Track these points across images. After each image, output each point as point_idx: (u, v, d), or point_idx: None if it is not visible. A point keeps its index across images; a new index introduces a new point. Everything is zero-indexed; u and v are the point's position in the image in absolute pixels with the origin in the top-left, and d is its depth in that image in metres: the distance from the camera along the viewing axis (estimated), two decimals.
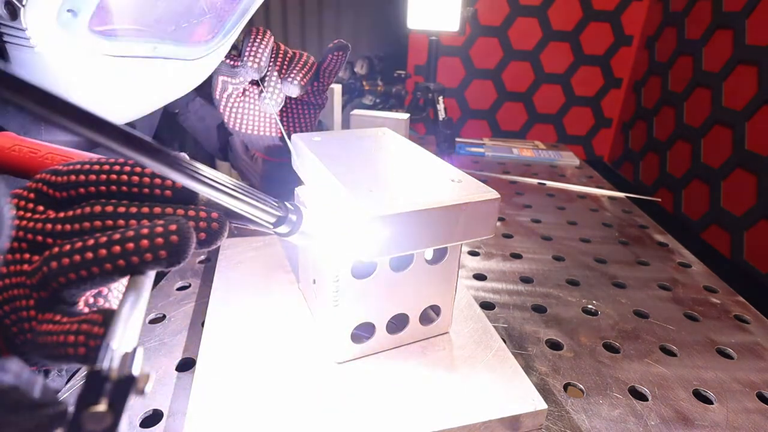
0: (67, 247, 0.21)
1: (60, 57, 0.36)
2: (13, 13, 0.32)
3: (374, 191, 0.29)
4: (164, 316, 0.44)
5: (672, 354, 0.43)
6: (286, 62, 0.51)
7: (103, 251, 0.20)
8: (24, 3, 0.32)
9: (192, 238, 0.21)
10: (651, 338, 0.45)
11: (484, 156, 1.03)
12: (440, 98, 1.02)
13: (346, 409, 0.32)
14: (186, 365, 0.38)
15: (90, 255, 0.20)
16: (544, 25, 1.83)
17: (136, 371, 0.16)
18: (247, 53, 0.49)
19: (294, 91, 0.50)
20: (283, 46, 0.52)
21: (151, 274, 0.21)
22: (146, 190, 0.23)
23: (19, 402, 0.13)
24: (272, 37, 0.51)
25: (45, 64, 0.35)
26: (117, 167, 0.23)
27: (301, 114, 0.57)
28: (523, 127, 2.04)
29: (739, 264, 1.16)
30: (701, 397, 0.38)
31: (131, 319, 0.18)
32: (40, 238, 0.22)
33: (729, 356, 0.43)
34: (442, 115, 1.00)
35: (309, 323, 0.40)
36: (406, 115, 0.77)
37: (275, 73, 0.50)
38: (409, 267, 0.34)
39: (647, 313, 0.49)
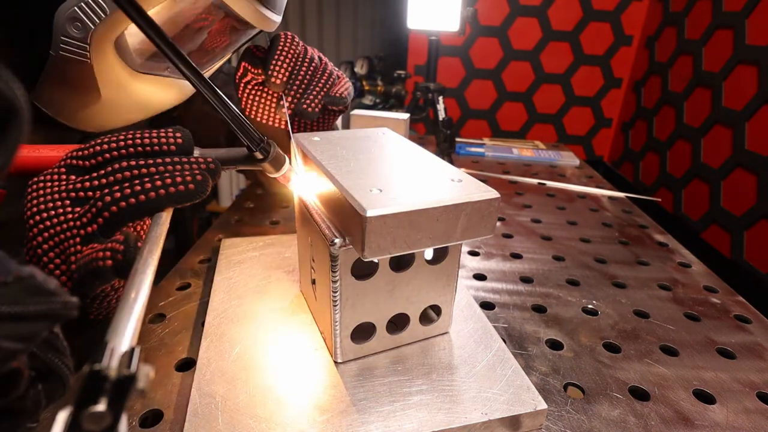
0: (117, 186, 0.27)
1: (104, 68, 0.39)
2: (84, 32, 0.36)
3: (374, 191, 0.29)
4: (164, 316, 0.44)
5: (672, 354, 0.43)
6: (308, 75, 0.50)
7: (148, 184, 0.26)
8: (95, 25, 0.36)
9: (209, 178, 0.28)
10: (651, 338, 0.45)
11: (484, 156, 1.03)
12: (440, 98, 1.02)
13: (345, 409, 0.32)
14: (186, 365, 0.38)
15: (138, 188, 0.26)
16: (544, 25, 1.83)
17: (135, 371, 0.16)
18: (271, 66, 0.48)
19: (307, 116, 0.49)
20: (310, 53, 0.51)
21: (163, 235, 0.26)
22: (156, 148, 0.29)
23: (37, 288, 0.15)
24: (299, 44, 0.50)
25: (88, 72, 0.39)
26: (129, 135, 0.29)
27: (320, 119, 0.56)
28: (523, 127, 2.04)
29: (739, 264, 1.16)
30: (701, 397, 0.38)
31: (132, 317, 0.18)
32: (81, 194, 0.28)
33: (729, 356, 0.43)
34: (442, 115, 1.00)
35: (309, 323, 0.40)
36: (406, 115, 0.77)
37: (296, 84, 0.49)
38: (409, 267, 0.34)
39: (647, 313, 0.49)
